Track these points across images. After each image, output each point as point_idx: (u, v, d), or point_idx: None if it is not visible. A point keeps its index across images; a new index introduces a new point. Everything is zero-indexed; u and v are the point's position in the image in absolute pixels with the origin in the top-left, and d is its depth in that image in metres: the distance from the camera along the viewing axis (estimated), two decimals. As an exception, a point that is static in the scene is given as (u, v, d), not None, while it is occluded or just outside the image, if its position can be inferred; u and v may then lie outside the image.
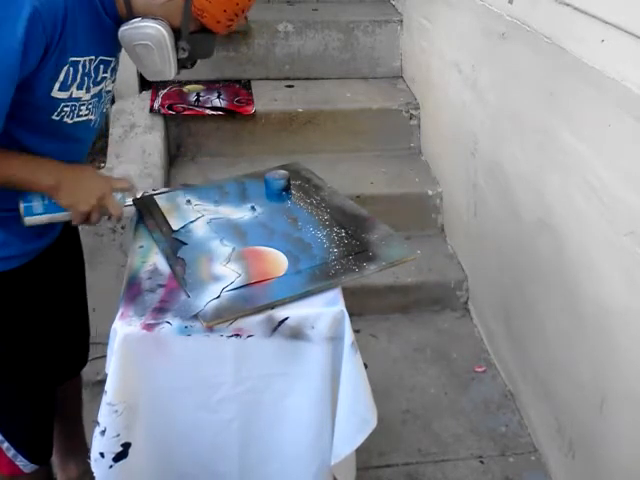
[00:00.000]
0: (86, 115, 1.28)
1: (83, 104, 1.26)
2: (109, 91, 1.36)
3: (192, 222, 1.48)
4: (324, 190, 1.61)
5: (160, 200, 1.57)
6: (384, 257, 1.36)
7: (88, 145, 1.43)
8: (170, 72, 1.29)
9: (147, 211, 1.53)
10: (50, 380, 1.53)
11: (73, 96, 1.22)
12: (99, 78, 1.27)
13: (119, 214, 1.32)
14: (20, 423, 1.46)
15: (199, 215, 1.50)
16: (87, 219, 1.31)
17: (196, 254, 1.36)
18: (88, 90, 1.25)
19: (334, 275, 1.30)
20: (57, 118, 1.23)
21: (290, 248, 1.37)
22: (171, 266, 1.34)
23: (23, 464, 1.47)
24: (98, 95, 1.30)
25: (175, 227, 1.46)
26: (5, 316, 1.37)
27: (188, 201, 1.56)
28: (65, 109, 1.23)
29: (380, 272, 1.35)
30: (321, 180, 1.66)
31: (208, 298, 1.23)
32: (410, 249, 1.40)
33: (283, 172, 1.61)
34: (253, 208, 1.53)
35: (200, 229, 1.45)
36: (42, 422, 1.52)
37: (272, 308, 1.23)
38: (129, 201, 1.38)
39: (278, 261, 1.33)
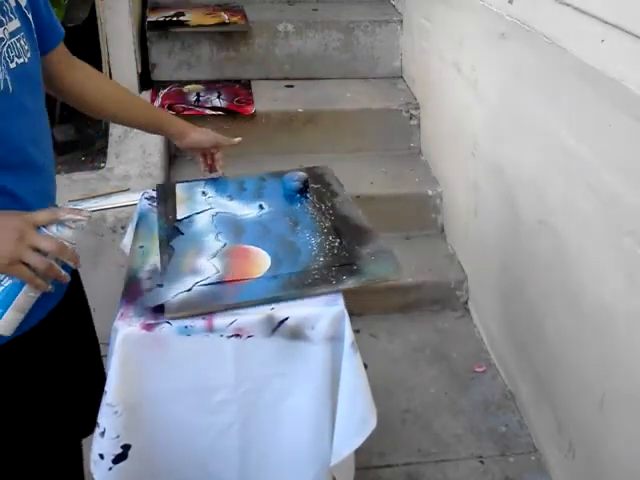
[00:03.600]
0: None
1: None
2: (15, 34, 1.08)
3: (197, 214, 1.48)
4: (339, 197, 1.57)
5: (179, 189, 1.59)
6: (367, 273, 1.30)
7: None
8: None
9: (163, 198, 1.55)
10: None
11: None
12: None
13: (55, 248, 1.02)
14: None
15: (207, 207, 1.51)
16: (32, 271, 1.01)
17: (188, 245, 1.37)
18: None
19: (309, 285, 1.26)
20: None
21: (278, 251, 1.35)
22: (160, 254, 1.34)
23: None
24: None
25: (180, 216, 1.47)
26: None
27: (204, 192, 1.57)
28: None
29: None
30: (341, 187, 1.62)
31: (180, 290, 1.23)
32: (397, 268, 1.33)
33: (301, 174, 1.58)
34: (261, 207, 1.52)
35: (202, 221, 1.46)
36: None
37: (232, 309, 1.21)
38: (70, 228, 1.05)
39: (261, 262, 1.32)
